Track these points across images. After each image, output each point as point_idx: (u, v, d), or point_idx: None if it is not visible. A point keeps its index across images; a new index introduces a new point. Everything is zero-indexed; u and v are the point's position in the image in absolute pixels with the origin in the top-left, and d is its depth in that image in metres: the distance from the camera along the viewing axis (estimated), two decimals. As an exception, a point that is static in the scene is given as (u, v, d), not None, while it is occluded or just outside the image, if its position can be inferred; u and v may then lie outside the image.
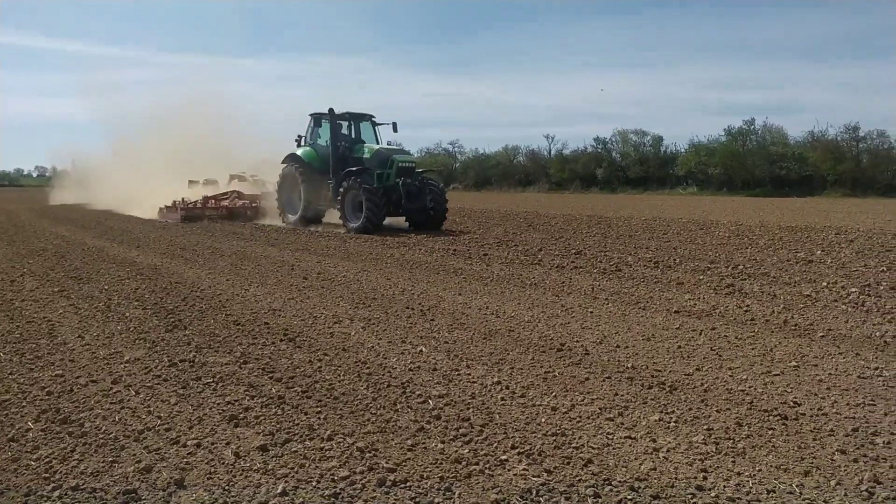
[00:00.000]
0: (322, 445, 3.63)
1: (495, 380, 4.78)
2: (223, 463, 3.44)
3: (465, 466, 3.37)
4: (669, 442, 3.69)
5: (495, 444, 3.65)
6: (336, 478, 3.25)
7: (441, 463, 3.42)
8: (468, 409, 4.21)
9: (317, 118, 19.51)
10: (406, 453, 3.54)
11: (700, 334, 6.19)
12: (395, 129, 19.58)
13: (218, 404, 4.29)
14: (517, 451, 3.55)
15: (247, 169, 25.96)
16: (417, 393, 4.49)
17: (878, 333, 6.11)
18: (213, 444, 3.68)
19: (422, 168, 19.46)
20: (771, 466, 3.38)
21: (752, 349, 5.66)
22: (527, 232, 17.21)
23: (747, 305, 7.40)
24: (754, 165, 54.49)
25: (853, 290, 8.17)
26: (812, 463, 3.43)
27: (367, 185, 16.45)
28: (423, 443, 3.68)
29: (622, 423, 3.98)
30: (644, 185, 61.56)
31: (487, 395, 4.49)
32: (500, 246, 13.49)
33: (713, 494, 3.08)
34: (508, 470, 3.34)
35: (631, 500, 3.02)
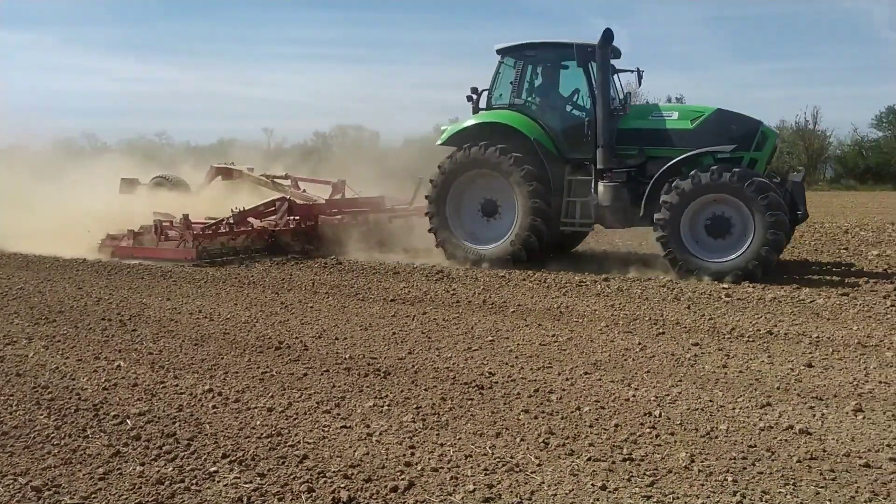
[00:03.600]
0: (-17, 493, 3.02)
1: (207, 387, 4.49)
2: None
3: (169, 486, 3.10)
4: (382, 425, 3.84)
5: (204, 457, 3.42)
6: (2, 528, 2.73)
7: (139, 487, 3.09)
8: (174, 423, 3.88)
9: (526, 56, 10.00)
10: (97, 483, 3.13)
11: (413, 319, 6.59)
12: (639, 81, 10.55)
13: None
14: (229, 459, 3.38)
15: (233, 160, 15.41)
16: (113, 413, 4.01)
17: (555, 305, 7.14)
18: None
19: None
20: (469, 433, 3.73)
21: (457, 328, 6.20)
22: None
23: (454, 289, 8.08)
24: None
25: (538, 269, 9.44)
26: (503, 425, 3.86)
27: (771, 189, 8.21)
28: (119, 468, 3.29)
29: (339, 414, 4.04)
30: (366, 180, 63.77)
31: (197, 405, 4.20)
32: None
33: (419, 468, 3.28)
34: (218, 481, 3.15)
35: (344, 487, 3.07)
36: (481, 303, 7.33)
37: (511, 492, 3.04)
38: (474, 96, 10.22)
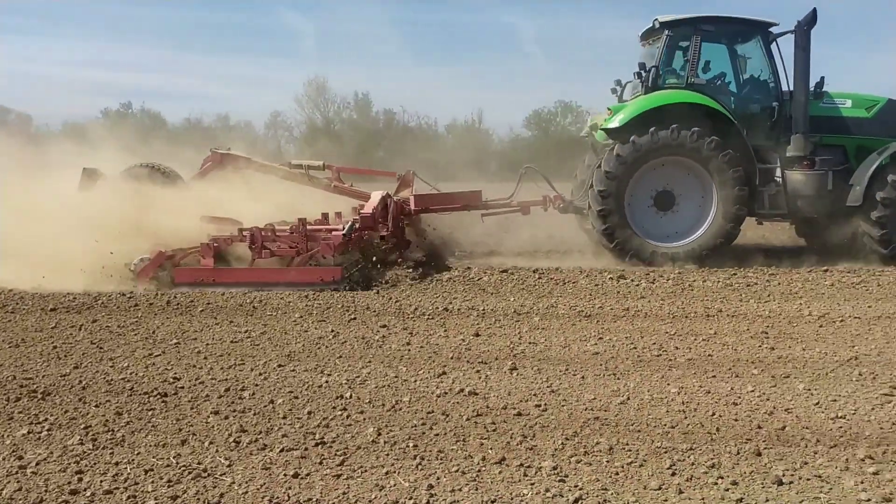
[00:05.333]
0: None
1: None
2: None
3: None
4: (40, 454, 3.31)
5: None
6: None
7: None
8: None
9: (703, 31, 9.21)
10: None
11: (80, 329, 5.79)
12: None
13: None
14: None
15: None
16: None
17: (248, 301, 6.93)
18: None
19: None
20: (150, 446, 3.43)
21: (135, 334, 5.63)
22: None
23: (131, 291, 7.32)
24: (128, 149, 54.71)
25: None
26: (189, 430, 3.63)
27: None
28: None
29: (-22, 450, 3.36)
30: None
31: None
32: None
33: (89, 493, 2.91)
34: None
35: (-14, 536, 2.58)
36: (165, 304, 6.76)
37: (198, 499, 2.88)
38: (643, 73, 9.32)
